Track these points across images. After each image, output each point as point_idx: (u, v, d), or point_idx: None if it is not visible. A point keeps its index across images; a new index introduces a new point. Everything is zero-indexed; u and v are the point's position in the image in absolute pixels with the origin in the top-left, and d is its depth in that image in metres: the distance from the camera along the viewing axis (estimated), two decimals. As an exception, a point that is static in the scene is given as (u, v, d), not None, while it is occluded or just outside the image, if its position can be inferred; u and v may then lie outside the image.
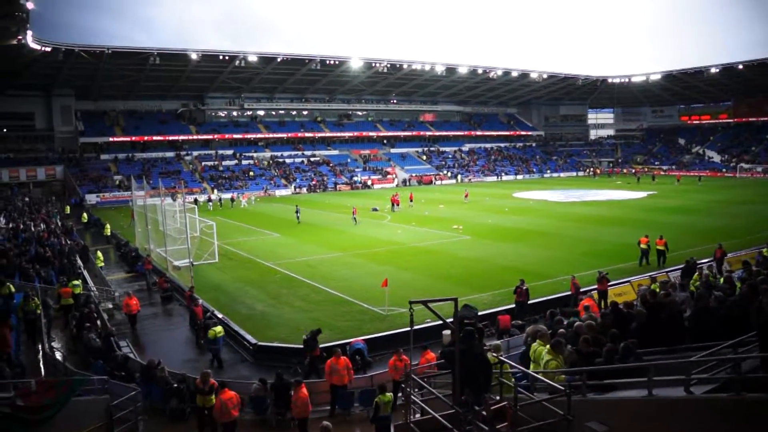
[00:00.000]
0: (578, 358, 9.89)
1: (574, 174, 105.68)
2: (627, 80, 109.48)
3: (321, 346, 18.65)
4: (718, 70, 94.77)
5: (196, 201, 58.76)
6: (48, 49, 61.75)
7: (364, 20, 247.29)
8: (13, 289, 20.19)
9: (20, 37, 54.77)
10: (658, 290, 17.43)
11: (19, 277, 24.65)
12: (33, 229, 39.87)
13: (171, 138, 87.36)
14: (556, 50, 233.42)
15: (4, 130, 77.70)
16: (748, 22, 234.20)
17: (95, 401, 12.86)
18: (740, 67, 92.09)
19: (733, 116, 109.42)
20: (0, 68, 63.72)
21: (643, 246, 30.52)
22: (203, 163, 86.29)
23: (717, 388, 7.57)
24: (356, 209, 49.41)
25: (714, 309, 10.70)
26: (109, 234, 44.63)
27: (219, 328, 19.61)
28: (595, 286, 23.18)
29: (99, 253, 33.88)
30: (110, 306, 25.59)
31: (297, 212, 49.92)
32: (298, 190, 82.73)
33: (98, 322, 21.01)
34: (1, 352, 13.86)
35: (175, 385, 14.78)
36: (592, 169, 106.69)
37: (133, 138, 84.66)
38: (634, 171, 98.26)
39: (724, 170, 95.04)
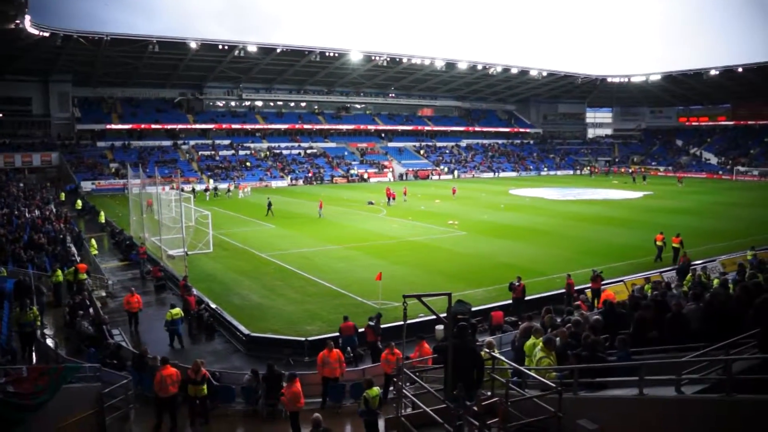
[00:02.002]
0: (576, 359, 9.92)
1: (571, 172, 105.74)
2: (626, 80, 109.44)
3: (311, 338, 18.71)
4: (717, 73, 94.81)
5: (193, 190, 58.61)
6: (46, 34, 61.50)
7: (365, 13, 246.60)
8: (5, 273, 20.20)
9: (18, 22, 54.50)
10: (650, 290, 17.54)
11: (12, 263, 24.68)
12: (27, 215, 39.76)
13: (168, 126, 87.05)
14: (556, 48, 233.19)
15: (0, 115, 77.24)
16: (750, 25, 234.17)
17: (87, 389, 12.88)
18: (740, 70, 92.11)
19: (732, 119, 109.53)
20: (-3, 52, 63.50)
21: (659, 243, 31.02)
22: (200, 153, 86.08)
23: (707, 389, 7.60)
24: (322, 202, 49.33)
25: (706, 310, 10.74)
26: (103, 221, 44.48)
27: (177, 310, 20.24)
28: (589, 285, 23.27)
29: (93, 241, 33.77)
30: (103, 294, 25.55)
31: (269, 206, 49.55)
32: (294, 181, 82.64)
33: (91, 310, 21.00)
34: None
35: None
36: (589, 167, 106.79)
37: (130, 126, 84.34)
38: (631, 171, 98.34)
39: (720, 172, 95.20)
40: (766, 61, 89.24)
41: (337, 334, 18.43)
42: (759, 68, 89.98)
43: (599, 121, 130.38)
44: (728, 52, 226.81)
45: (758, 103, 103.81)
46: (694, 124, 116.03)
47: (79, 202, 54.66)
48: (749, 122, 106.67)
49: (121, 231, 39.27)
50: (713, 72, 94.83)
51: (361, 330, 18.71)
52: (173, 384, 13.34)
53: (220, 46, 76.16)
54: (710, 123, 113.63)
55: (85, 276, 24.97)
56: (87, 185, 69.36)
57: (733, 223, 42.88)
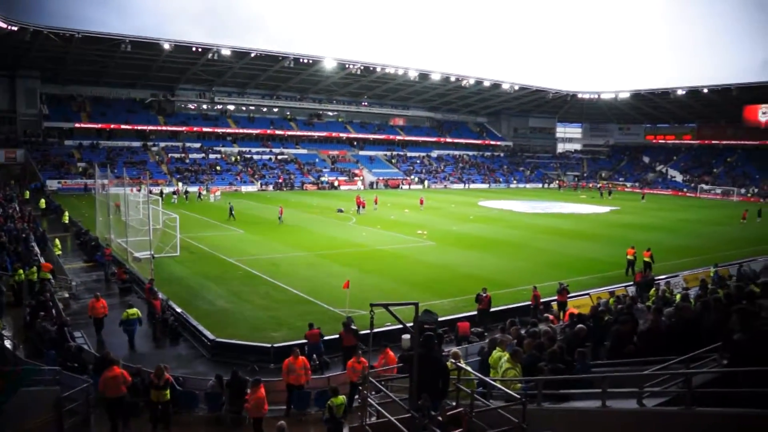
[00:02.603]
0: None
1: (540, 186, 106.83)
2: (596, 96, 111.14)
3: (277, 345, 18.59)
4: (684, 92, 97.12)
5: (161, 193, 57.97)
6: (15, 28, 60.45)
7: (340, 22, 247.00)
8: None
9: (-15, 15, 53.52)
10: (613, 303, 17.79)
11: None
12: (-10, 212, 38.97)
13: (138, 127, 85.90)
14: (528, 63, 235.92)
15: (-36, 109, 75.66)
16: (716, 48, 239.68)
17: (46, 392, 12.62)
18: (705, 90, 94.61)
19: (697, 138, 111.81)
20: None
21: (629, 257, 31.74)
22: (170, 155, 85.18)
23: (669, 402, 7.72)
24: (282, 208, 49.09)
25: (668, 324, 10.92)
26: (67, 221, 43.74)
27: (134, 310, 20.24)
28: (556, 297, 23.52)
29: (57, 241, 33.22)
30: (66, 295, 25.09)
31: (230, 210, 49.40)
32: (264, 187, 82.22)
33: (53, 311, 20.59)
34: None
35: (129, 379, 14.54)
36: (557, 181, 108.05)
37: (100, 125, 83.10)
38: (599, 186, 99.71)
39: (685, 190, 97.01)
40: (728, 83, 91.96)
41: (304, 341, 18.36)
42: (722, 90, 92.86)
43: (569, 136, 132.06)
44: (695, 73, 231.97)
45: (721, 123, 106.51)
46: (660, 141, 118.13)
47: (43, 201, 53.65)
48: (713, 142, 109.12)
49: (87, 231, 38.63)
50: (680, 92, 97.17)
51: (333, 337, 18.68)
52: (117, 386, 13.11)
53: (194, 49, 75.58)
54: (676, 141, 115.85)
55: (48, 275, 24.55)
56: (53, 184, 68.14)
57: (696, 240, 43.68)
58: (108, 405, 13.32)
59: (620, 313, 13.45)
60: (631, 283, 26.90)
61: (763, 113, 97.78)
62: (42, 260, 27.84)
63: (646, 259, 31.33)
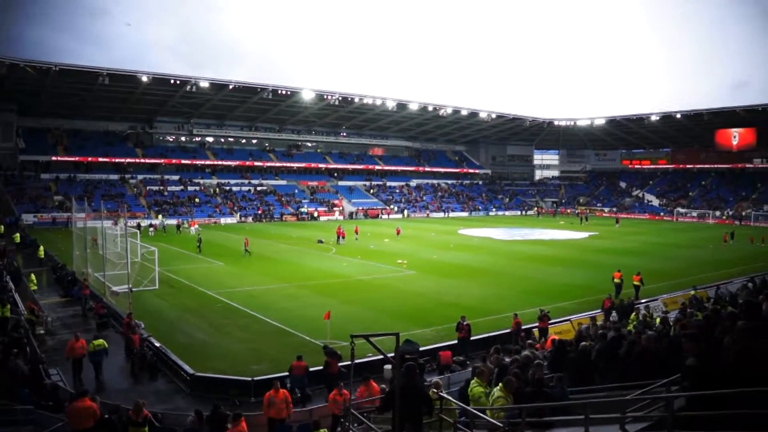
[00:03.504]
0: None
1: (519, 213, 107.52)
2: (572, 123, 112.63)
3: (257, 378, 18.37)
4: (658, 118, 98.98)
5: (139, 226, 57.52)
6: (-10, 61, 60.16)
7: (318, 52, 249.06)
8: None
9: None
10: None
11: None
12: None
13: (116, 160, 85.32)
14: (505, 92, 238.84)
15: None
16: (691, 71, 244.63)
17: (17, 432, 12.31)
18: (678, 116, 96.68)
19: (671, 162, 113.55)
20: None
21: (616, 280, 32.15)
22: (148, 188, 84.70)
23: (651, 426, 7.72)
24: (248, 240, 48.70)
25: (648, 349, 10.97)
26: (42, 256, 43.12)
27: (100, 341, 20.09)
28: (536, 324, 23.55)
29: (32, 276, 32.75)
30: (42, 331, 24.66)
31: (199, 242, 49.29)
32: (243, 219, 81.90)
33: (28, 349, 20.19)
34: None
35: (106, 416, 14.22)
36: (536, 208, 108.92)
37: (77, 158, 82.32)
38: (577, 212, 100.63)
39: (662, 213, 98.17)
40: (700, 108, 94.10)
41: (286, 373, 18.19)
42: (694, 115, 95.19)
43: (546, 162, 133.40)
44: (668, 98, 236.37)
45: (695, 147, 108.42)
46: (636, 166, 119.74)
47: (18, 236, 52.85)
48: (687, 166, 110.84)
49: (63, 266, 38.13)
50: (653, 117, 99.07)
51: (317, 368, 18.54)
52: (85, 418, 12.77)
53: (172, 81, 75.52)
54: (652, 166, 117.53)
55: (32, 317, 24.09)
56: (28, 218, 67.28)
57: (675, 263, 44.06)
58: None
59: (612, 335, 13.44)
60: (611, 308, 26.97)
61: (734, 137, 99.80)
62: (17, 296, 27.38)
63: (636, 283, 31.74)
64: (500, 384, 10.35)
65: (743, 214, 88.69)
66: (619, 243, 58.23)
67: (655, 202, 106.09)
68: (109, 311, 27.55)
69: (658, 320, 19.26)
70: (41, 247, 44.45)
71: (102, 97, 77.14)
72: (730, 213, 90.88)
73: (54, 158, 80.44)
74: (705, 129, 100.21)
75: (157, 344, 22.00)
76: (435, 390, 10.13)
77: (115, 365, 21.45)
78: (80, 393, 13.33)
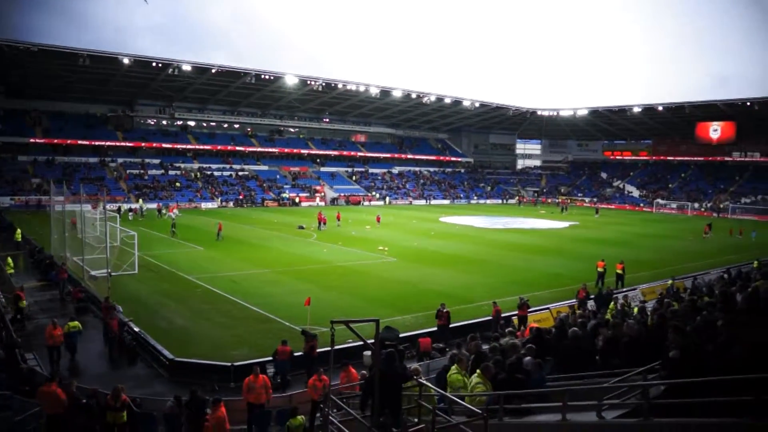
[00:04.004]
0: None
1: (500, 201, 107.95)
2: (555, 113, 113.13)
3: (237, 364, 18.35)
4: (640, 110, 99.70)
5: (119, 210, 56.92)
6: (-34, 41, 59.08)
7: (301, 38, 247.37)
8: None
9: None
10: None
11: None
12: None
13: (96, 143, 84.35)
14: (488, 80, 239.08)
15: None
16: (675, 64, 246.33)
17: (-5, 419, 12.20)
18: (660, 108, 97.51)
19: (652, 154, 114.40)
20: None
21: (600, 269, 32.40)
22: (128, 171, 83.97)
23: (627, 413, 7.82)
24: (221, 225, 48.54)
25: (627, 337, 11.10)
26: (20, 239, 42.57)
27: (75, 323, 20.16)
28: (516, 312, 23.71)
29: (9, 259, 32.35)
30: (18, 316, 24.39)
31: (173, 226, 49.02)
32: (224, 204, 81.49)
33: (3, 333, 19.99)
34: None
35: (84, 401, 14.13)
36: (517, 197, 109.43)
37: (56, 140, 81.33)
38: (558, 202, 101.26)
39: (642, 205, 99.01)
40: (681, 101, 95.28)
41: (269, 358, 18.22)
42: (676, 107, 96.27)
43: (528, 152, 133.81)
44: (651, 90, 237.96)
45: (676, 140, 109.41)
46: (617, 158, 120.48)
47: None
48: (668, 158, 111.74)
49: (41, 249, 37.72)
50: (636, 109, 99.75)
51: (300, 354, 18.58)
52: (52, 403, 12.79)
53: (154, 64, 74.60)
54: (633, 157, 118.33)
55: (24, 303, 23.76)
56: (4, 201, 66.48)
57: (653, 254, 44.50)
58: (47, 423, 12.97)
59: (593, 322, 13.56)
60: (592, 296, 27.21)
61: (714, 130, 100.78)
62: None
63: (619, 271, 32.14)
64: (477, 371, 10.41)
65: (721, 206, 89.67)
66: (599, 233, 58.67)
67: (636, 193, 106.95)
68: (87, 296, 27.31)
69: (636, 310, 19.51)
70: (18, 230, 43.90)
71: (82, 79, 76.05)
72: (709, 205, 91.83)
73: (32, 140, 79.43)
74: (686, 122, 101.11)
75: (137, 329, 21.88)
76: (414, 376, 10.16)
77: (94, 350, 21.33)
78: (48, 378, 13.27)
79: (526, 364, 10.64)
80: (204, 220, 60.65)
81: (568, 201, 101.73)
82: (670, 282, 28.31)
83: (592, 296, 26.56)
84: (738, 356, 7.27)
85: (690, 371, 7.28)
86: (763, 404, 6.07)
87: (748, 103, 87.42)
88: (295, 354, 18.62)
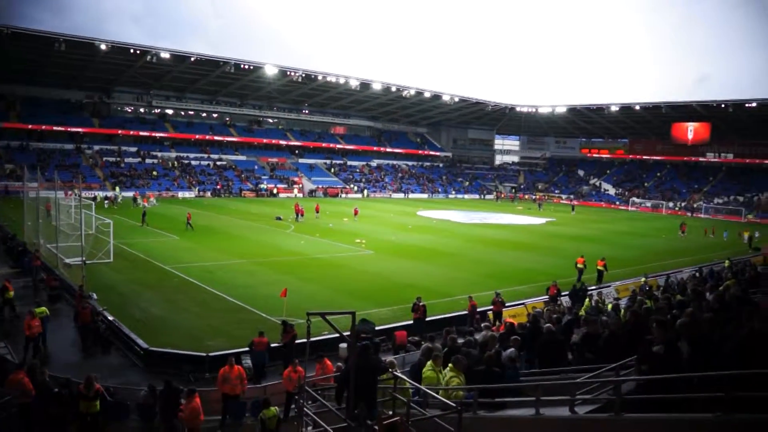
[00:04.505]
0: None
1: (478, 197, 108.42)
2: (534, 110, 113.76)
3: (212, 354, 18.29)
4: (617, 109, 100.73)
5: (95, 198, 56.25)
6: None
7: (281, 28, 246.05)
8: None
9: None
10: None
11: None
12: None
13: (72, 129, 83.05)
14: (468, 76, 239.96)
15: None
16: (654, 64, 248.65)
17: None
18: (637, 107, 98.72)
19: (629, 152, 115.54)
20: None
21: (579, 266, 32.87)
22: (104, 159, 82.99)
23: (599, 408, 7.94)
24: (190, 214, 48.28)
25: (602, 334, 11.26)
26: (-8, 226, 41.99)
27: (42, 308, 20.12)
28: (491, 307, 23.88)
29: (-19, 246, 31.91)
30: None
31: (143, 216, 48.55)
32: (202, 193, 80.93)
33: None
34: None
35: (56, 390, 13.98)
36: (495, 192, 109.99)
37: (30, 126, 79.95)
38: (535, 198, 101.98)
39: (617, 203, 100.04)
40: (658, 101, 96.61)
41: (245, 349, 18.20)
42: (653, 107, 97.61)
43: (507, 148, 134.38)
44: (629, 90, 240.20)
45: (652, 140, 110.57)
46: (595, 156, 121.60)
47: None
48: (644, 157, 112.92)
49: (14, 236, 37.20)
50: (613, 108, 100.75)
51: (276, 345, 18.57)
52: (19, 392, 12.70)
53: (132, 50, 73.71)
54: (610, 156, 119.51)
55: (12, 294, 23.07)
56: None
57: (628, 251, 45.00)
58: (19, 412, 12.88)
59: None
60: (565, 293, 27.47)
61: (690, 131, 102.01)
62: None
63: (600, 268, 32.74)
64: (450, 364, 10.49)
65: (695, 206, 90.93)
66: (575, 230, 59.20)
67: (612, 191, 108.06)
68: (61, 284, 27.02)
69: (609, 306, 19.75)
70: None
71: (58, 63, 74.84)
72: (683, 204, 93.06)
73: (5, 125, 77.93)
74: (662, 122, 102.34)
75: (111, 317, 21.70)
76: (390, 369, 10.21)
77: (67, 338, 21.12)
78: (17, 366, 13.18)
79: (505, 358, 10.75)
80: (180, 209, 60.16)
81: (545, 197, 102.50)
82: (642, 280, 28.68)
83: (565, 293, 26.81)
84: (730, 351, 7.41)
85: (672, 367, 7.40)
86: (735, 399, 6.20)
87: (723, 105, 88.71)
88: (272, 345, 18.61)
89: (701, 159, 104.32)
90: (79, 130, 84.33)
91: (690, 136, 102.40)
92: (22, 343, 18.83)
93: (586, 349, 11.22)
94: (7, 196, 62.51)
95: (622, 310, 16.55)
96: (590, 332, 11.77)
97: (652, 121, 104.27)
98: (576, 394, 8.08)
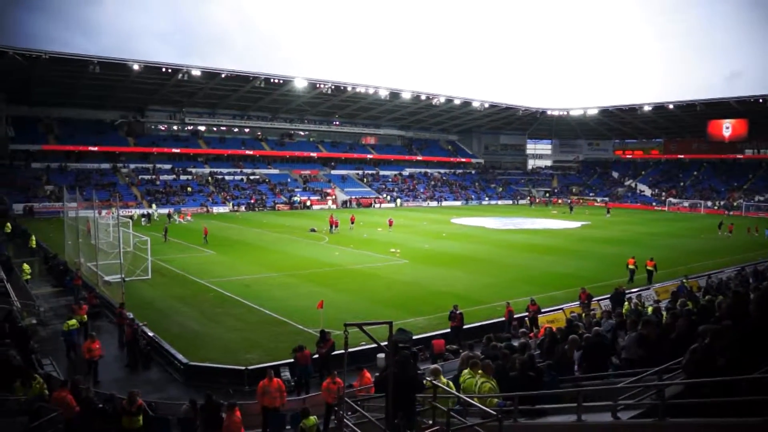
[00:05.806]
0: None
1: (512, 202, 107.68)
2: (565, 113, 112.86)
3: (251, 367, 18.38)
4: (650, 109, 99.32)
5: (132, 216, 57.16)
6: (-21, 50, 59.45)
7: (311, 41, 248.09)
8: None
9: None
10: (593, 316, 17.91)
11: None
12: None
13: (108, 149, 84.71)
14: (498, 81, 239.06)
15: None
16: (686, 62, 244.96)
17: (11, 423, 12.28)
18: (671, 107, 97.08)
19: (664, 153, 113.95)
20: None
21: (630, 266, 33.19)
22: (140, 177, 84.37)
23: (642, 414, 7.79)
24: (207, 229, 48.83)
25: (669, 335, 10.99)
26: (34, 246, 42.87)
27: (73, 321, 20.65)
28: (526, 313, 23.68)
29: (26, 266, 32.57)
30: (33, 321, 24.54)
31: (165, 232, 49.29)
32: (236, 208, 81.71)
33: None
34: None
35: (100, 406, 14.21)
36: (529, 197, 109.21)
37: (68, 147, 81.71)
38: (569, 201, 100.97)
39: (654, 204, 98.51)
40: (693, 99, 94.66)
41: (284, 361, 18.28)
42: (687, 105, 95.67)
43: (539, 152, 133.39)
44: (661, 89, 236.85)
45: (687, 138, 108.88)
46: (629, 157, 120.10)
47: (9, 225, 52.43)
48: (679, 156, 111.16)
49: (55, 255, 37.95)
50: (646, 108, 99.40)
51: (316, 356, 18.63)
52: (65, 408, 12.79)
53: (164, 69, 74.93)
54: (644, 156, 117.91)
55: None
56: (19, 207, 66.92)
57: (667, 252, 44.15)
58: (65, 428, 13.07)
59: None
60: (607, 296, 27.03)
61: (726, 128, 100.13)
62: (8, 287, 27.15)
63: (650, 268, 32.63)
64: (479, 371, 10.40)
65: (734, 204, 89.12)
66: (611, 233, 58.43)
67: (648, 192, 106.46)
68: (101, 301, 27.49)
69: (650, 309, 19.41)
70: (33, 237, 44.20)
71: (92, 85, 76.41)
72: (722, 203, 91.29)
73: (44, 147, 79.77)
74: (697, 120, 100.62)
75: (151, 333, 21.98)
76: (432, 377, 10.16)
77: (109, 355, 21.42)
78: (61, 383, 13.43)
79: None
80: (215, 224, 60.80)
81: (580, 201, 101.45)
82: (683, 281, 28.14)
83: (598, 297, 26.34)
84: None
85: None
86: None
87: (761, 100, 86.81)
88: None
89: (739, 156, 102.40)
90: (115, 149, 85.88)
91: (727, 133, 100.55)
92: (65, 362, 19.25)
93: (643, 352, 10.81)
94: (49, 216, 63.72)
95: (663, 313, 16.23)
96: (645, 334, 11.37)
97: (686, 120, 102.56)
98: (618, 399, 7.95)
